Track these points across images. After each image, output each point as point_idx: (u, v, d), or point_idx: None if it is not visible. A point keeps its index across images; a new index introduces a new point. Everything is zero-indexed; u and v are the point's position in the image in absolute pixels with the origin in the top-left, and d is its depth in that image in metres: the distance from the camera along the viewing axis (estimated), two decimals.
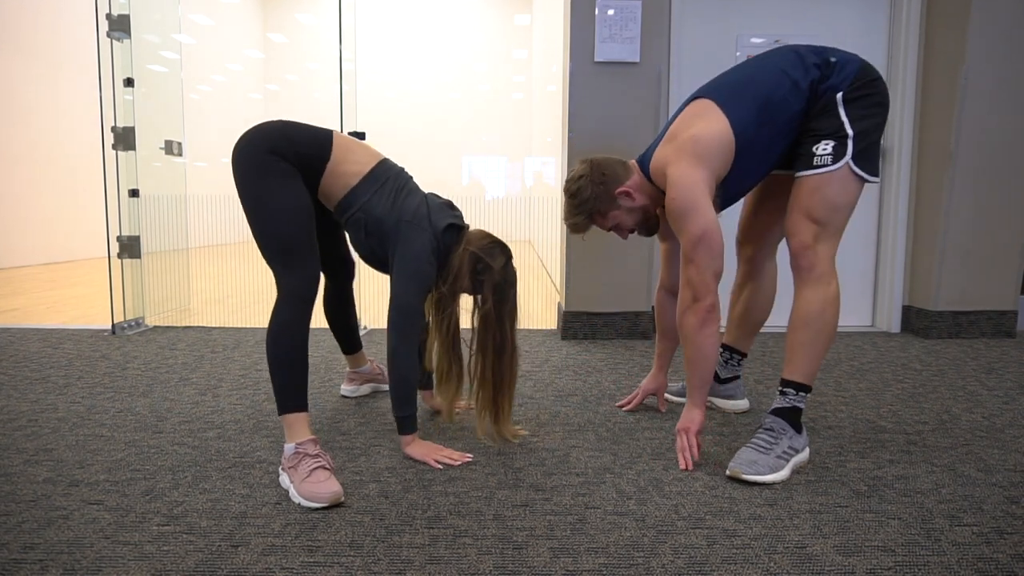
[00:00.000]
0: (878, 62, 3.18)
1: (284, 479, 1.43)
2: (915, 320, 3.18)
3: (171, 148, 3.47)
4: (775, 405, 1.56)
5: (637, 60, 2.90)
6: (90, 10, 7.35)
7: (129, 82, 3.18)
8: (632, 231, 1.80)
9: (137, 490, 1.40)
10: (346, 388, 2.12)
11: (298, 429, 1.45)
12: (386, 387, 2.19)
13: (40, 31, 6.69)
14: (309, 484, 1.34)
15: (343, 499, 1.35)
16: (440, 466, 1.53)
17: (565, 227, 1.77)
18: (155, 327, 3.27)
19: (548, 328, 3.32)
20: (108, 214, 3.19)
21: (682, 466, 1.53)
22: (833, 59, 1.52)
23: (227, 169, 10.19)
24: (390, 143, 11.11)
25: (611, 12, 2.87)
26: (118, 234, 3.20)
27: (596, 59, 2.90)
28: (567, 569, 1.11)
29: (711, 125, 1.54)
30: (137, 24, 3.17)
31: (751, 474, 1.44)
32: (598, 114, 2.93)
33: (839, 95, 1.49)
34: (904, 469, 1.53)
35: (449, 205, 1.70)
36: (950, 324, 3.08)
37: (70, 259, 7.21)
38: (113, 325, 3.11)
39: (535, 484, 1.45)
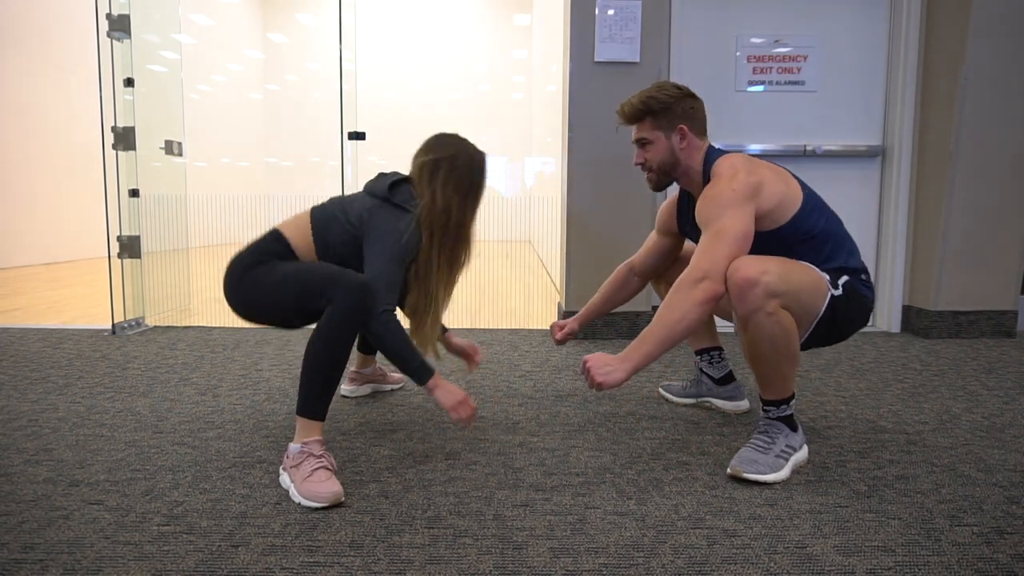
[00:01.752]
0: (878, 62, 3.19)
1: (284, 478, 1.42)
2: (915, 320, 3.18)
3: (171, 148, 3.47)
4: (763, 416, 1.56)
5: (637, 60, 2.90)
6: (90, 10, 7.35)
7: (129, 82, 3.18)
8: (647, 165, 1.71)
9: (137, 490, 1.40)
10: (346, 388, 2.12)
11: (309, 431, 1.44)
12: (387, 388, 2.19)
13: (40, 31, 6.69)
14: (310, 484, 1.34)
15: (343, 499, 1.34)
16: (461, 422, 1.56)
17: (617, 109, 1.72)
18: (155, 327, 3.27)
19: (548, 328, 3.32)
20: (108, 214, 3.19)
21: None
22: (864, 277, 1.60)
23: (227, 169, 10.20)
24: (390, 143, 11.12)
25: (611, 12, 2.87)
26: (118, 234, 3.20)
27: (596, 59, 2.90)
28: (567, 569, 1.11)
29: (789, 193, 1.55)
30: (137, 24, 3.17)
31: (752, 473, 1.44)
32: (598, 114, 2.93)
33: (845, 279, 1.54)
34: (904, 469, 1.53)
35: (380, 175, 1.73)
36: (950, 324, 3.08)
37: (70, 259, 7.21)
38: (113, 325, 3.11)
39: (535, 484, 1.45)
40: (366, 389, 2.14)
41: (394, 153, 11.54)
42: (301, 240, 1.65)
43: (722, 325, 3.26)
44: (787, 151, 3.15)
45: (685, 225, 1.85)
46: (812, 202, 1.58)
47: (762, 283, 1.38)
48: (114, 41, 3.10)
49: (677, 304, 1.43)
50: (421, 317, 1.72)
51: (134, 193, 3.25)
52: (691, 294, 1.43)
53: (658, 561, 1.13)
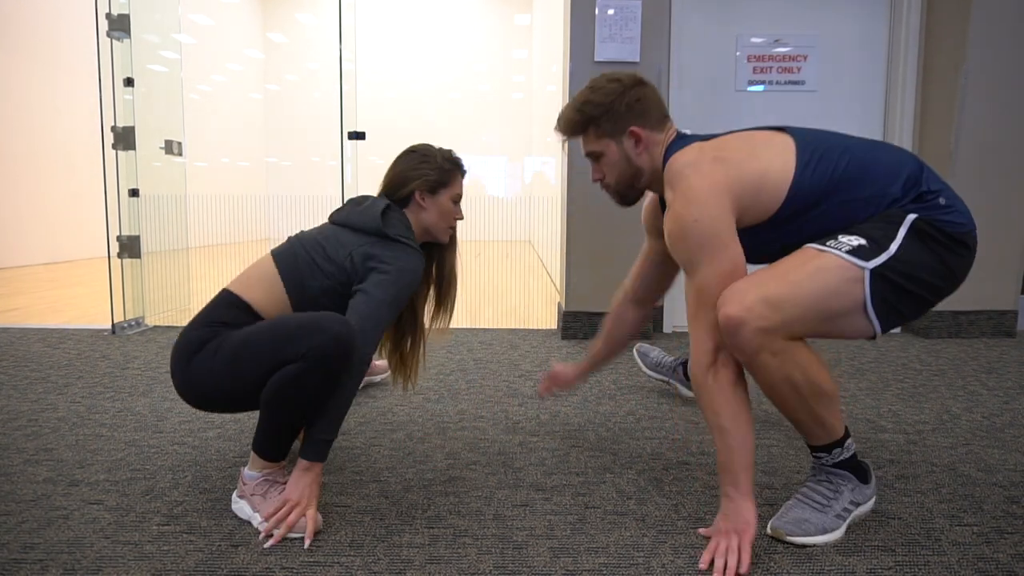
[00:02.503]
0: (878, 62, 3.19)
1: (243, 507, 1.26)
2: (915, 320, 3.18)
3: (171, 148, 3.47)
4: (817, 464, 1.27)
5: (637, 60, 2.90)
6: (90, 10, 7.35)
7: (129, 82, 3.18)
8: (604, 182, 1.43)
9: (137, 490, 1.40)
10: None
11: (267, 464, 1.28)
12: (378, 378, 2.21)
13: (40, 31, 6.69)
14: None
15: (321, 527, 1.23)
16: (266, 531, 1.20)
17: (556, 122, 1.44)
18: (155, 327, 3.27)
19: (548, 328, 3.32)
20: (108, 214, 3.19)
21: None
22: (943, 200, 1.19)
23: (227, 169, 10.20)
24: (390, 143, 11.11)
25: (611, 12, 2.87)
26: (118, 234, 3.20)
27: (596, 59, 2.90)
28: (567, 569, 1.11)
29: (774, 162, 1.22)
30: (137, 24, 3.17)
31: (798, 535, 1.17)
32: None
33: (912, 217, 1.16)
34: (904, 469, 1.53)
35: (352, 202, 1.51)
36: (950, 324, 3.08)
37: (70, 259, 7.21)
38: (113, 325, 3.11)
39: (535, 484, 1.45)
40: None
41: (394, 153, 11.54)
42: (264, 295, 1.37)
43: None
44: None
45: None
46: (815, 153, 1.23)
47: (750, 323, 1.10)
48: (114, 41, 3.10)
49: (721, 404, 1.17)
50: (410, 355, 1.65)
51: (134, 193, 3.25)
52: (718, 382, 1.17)
53: (658, 561, 1.13)
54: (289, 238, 1.47)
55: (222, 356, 1.26)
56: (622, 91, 1.35)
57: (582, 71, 2.92)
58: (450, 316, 1.65)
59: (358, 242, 1.40)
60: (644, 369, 2.19)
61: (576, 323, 3.03)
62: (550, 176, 5.95)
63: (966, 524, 1.26)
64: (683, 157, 1.25)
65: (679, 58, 3.10)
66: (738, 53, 3.15)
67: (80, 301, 4.15)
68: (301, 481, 1.24)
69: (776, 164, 1.22)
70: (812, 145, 1.24)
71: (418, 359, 1.66)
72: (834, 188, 1.20)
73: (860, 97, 3.20)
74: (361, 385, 2.15)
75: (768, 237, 1.27)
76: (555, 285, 5.08)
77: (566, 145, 1.38)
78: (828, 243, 1.17)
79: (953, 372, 2.44)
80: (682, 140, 1.35)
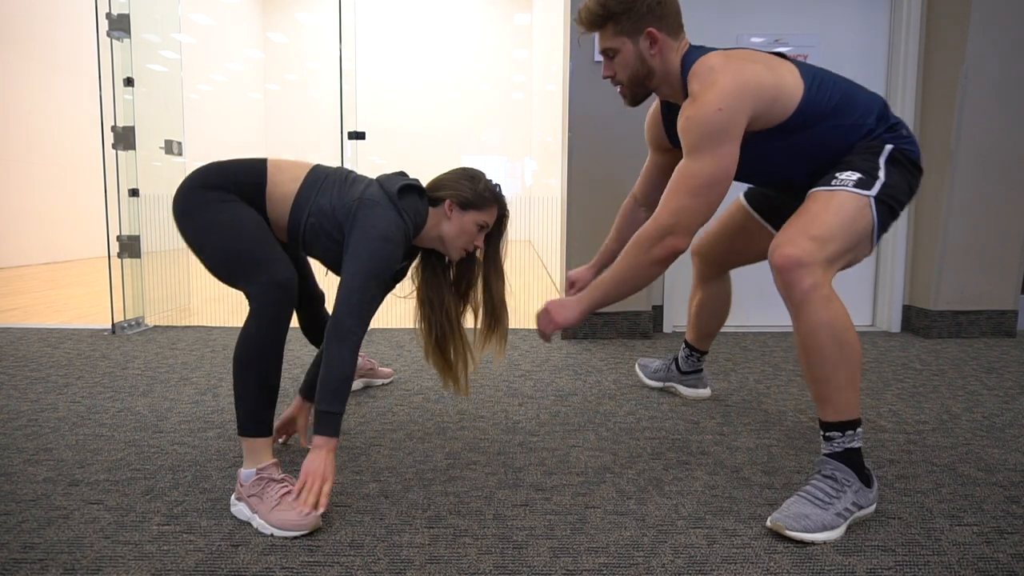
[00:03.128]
0: (878, 62, 3.19)
1: (242, 509, 1.28)
2: (915, 320, 3.18)
3: (171, 148, 3.47)
4: (825, 451, 1.29)
5: None
6: (90, 10, 7.35)
7: (129, 82, 3.18)
8: (616, 79, 1.51)
9: (137, 490, 1.40)
10: None
11: (259, 454, 1.30)
12: (378, 382, 2.20)
13: (40, 30, 6.69)
14: (283, 512, 1.22)
15: (321, 525, 1.24)
16: (304, 503, 1.24)
17: (575, 17, 1.50)
18: (155, 327, 3.27)
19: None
20: (108, 214, 3.19)
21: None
22: (905, 132, 1.41)
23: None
24: (390, 143, 11.12)
25: None
26: (118, 234, 3.20)
27: (596, 59, 2.89)
28: (567, 569, 1.11)
29: (787, 79, 1.36)
30: (137, 24, 3.17)
31: (797, 530, 1.19)
32: (598, 114, 2.93)
33: (889, 147, 1.36)
34: (904, 469, 1.53)
35: (400, 174, 1.57)
36: (950, 324, 3.08)
37: (70, 259, 7.21)
38: (113, 325, 3.11)
39: (535, 484, 1.45)
40: (358, 384, 2.15)
41: (394, 153, 11.55)
42: (283, 185, 1.47)
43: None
44: None
45: (674, 138, 1.65)
46: (815, 79, 1.39)
47: (805, 259, 1.22)
48: (114, 41, 3.10)
49: (634, 262, 1.39)
50: (455, 362, 1.65)
51: (134, 193, 3.25)
52: (651, 252, 1.37)
53: (658, 561, 1.13)
54: (341, 168, 1.57)
55: (202, 222, 1.39)
56: None
57: (582, 71, 2.91)
58: (502, 343, 1.67)
59: (369, 192, 1.45)
60: (646, 380, 2.24)
61: None
62: (550, 176, 5.95)
63: (966, 524, 1.26)
64: (711, 59, 1.37)
65: None
66: None
67: (80, 301, 4.15)
68: (316, 458, 1.28)
69: (789, 80, 1.36)
70: (812, 73, 1.40)
71: (459, 368, 1.66)
72: (831, 111, 1.37)
73: None
74: (362, 386, 2.16)
75: (771, 147, 1.41)
76: (555, 285, 5.08)
77: (580, 40, 1.54)
78: (832, 183, 1.33)
79: (953, 372, 2.44)
80: (699, 50, 1.45)
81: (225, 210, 1.40)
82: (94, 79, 7.37)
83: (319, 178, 1.49)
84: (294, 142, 11.53)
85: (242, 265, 1.34)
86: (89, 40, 7.31)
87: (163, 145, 3.43)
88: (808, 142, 1.40)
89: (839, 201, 1.29)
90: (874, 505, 1.28)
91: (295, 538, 1.20)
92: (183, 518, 1.28)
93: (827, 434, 1.28)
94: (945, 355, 2.72)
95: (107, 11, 3.06)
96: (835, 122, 1.38)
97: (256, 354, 1.29)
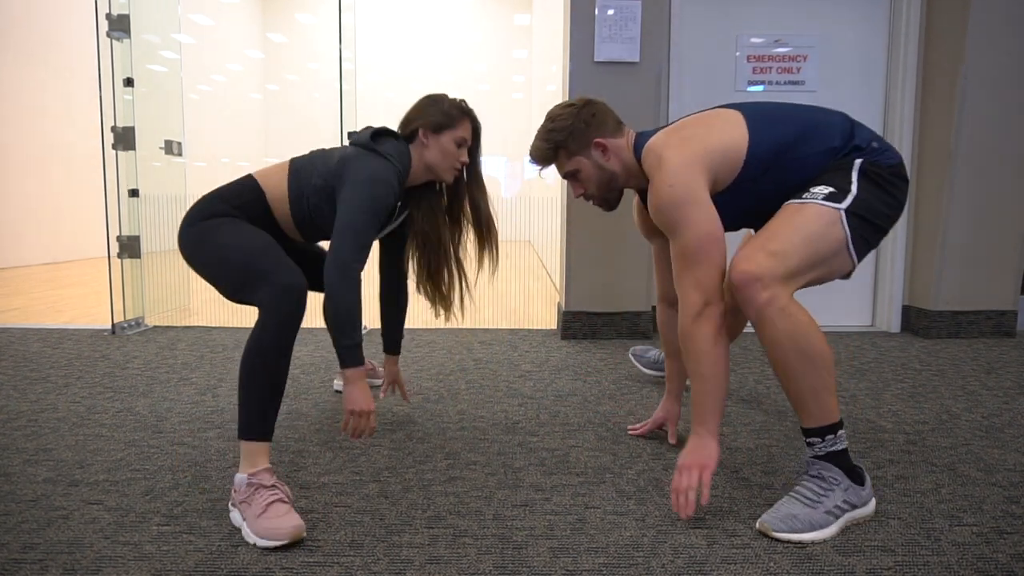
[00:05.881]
0: (878, 62, 3.19)
1: (235, 516, 1.25)
2: (915, 320, 3.18)
3: (171, 148, 3.47)
4: (809, 454, 1.29)
5: (637, 60, 2.90)
6: (90, 10, 7.35)
7: (129, 82, 3.18)
8: (587, 194, 1.60)
9: (137, 490, 1.40)
10: (339, 383, 2.15)
11: (256, 457, 1.28)
12: (378, 382, 2.19)
13: (39, 31, 6.69)
14: (266, 520, 1.18)
15: (305, 534, 1.20)
16: (348, 433, 1.44)
17: (528, 154, 1.62)
18: (155, 327, 3.27)
19: (548, 328, 3.32)
20: (108, 214, 3.19)
21: (683, 514, 1.25)
22: (875, 144, 1.38)
23: (227, 169, 10.19)
24: None
25: (611, 12, 2.87)
26: (118, 234, 3.20)
27: (596, 59, 2.90)
28: (567, 569, 1.11)
29: (729, 132, 1.40)
30: (137, 24, 3.17)
31: (784, 531, 1.20)
32: None
33: (858, 161, 1.35)
34: (904, 469, 1.53)
35: (367, 127, 1.67)
36: (950, 324, 3.08)
37: (70, 259, 7.21)
38: (113, 325, 3.11)
39: (535, 484, 1.45)
40: None
41: None
42: (275, 189, 1.55)
43: None
44: None
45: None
46: (765, 119, 1.41)
47: (760, 275, 1.22)
48: (114, 41, 3.10)
49: (699, 351, 1.32)
50: (448, 287, 1.76)
51: (134, 193, 3.25)
52: (703, 332, 1.32)
53: (658, 561, 1.13)
54: (312, 151, 1.65)
55: (208, 247, 1.42)
56: (577, 112, 1.54)
57: (582, 71, 2.92)
58: (496, 255, 1.79)
59: (349, 152, 1.56)
60: (642, 369, 2.25)
61: (576, 323, 3.03)
62: (550, 176, 5.94)
63: (966, 524, 1.26)
64: (655, 144, 1.43)
65: (679, 58, 3.10)
66: (738, 53, 3.15)
67: (80, 301, 4.15)
68: (353, 392, 1.43)
69: (735, 134, 1.39)
70: (759, 115, 1.42)
71: (454, 292, 1.77)
72: (785, 148, 1.39)
73: (860, 97, 3.20)
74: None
75: (740, 196, 1.43)
76: (555, 285, 5.08)
77: (541, 173, 1.64)
78: (804, 196, 1.33)
79: (953, 372, 2.44)
80: (644, 135, 1.54)
81: (223, 233, 1.43)
82: (94, 79, 7.37)
83: (302, 165, 1.58)
84: (294, 142, 11.53)
85: (247, 279, 1.35)
86: (89, 40, 7.31)
87: (163, 145, 3.43)
88: (776, 180, 1.41)
89: (805, 215, 1.30)
90: (874, 506, 1.29)
91: (277, 548, 1.16)
92: (183, 518, 1.28)
93: (808, 440, 1.29)
94: (945, 355, 2.72)
95: (107, 11, 3.06)
96: (795, 155, 1.38)
97: (263, 359, 1.28)
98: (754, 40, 3.14)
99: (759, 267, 1.23)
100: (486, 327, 3.33)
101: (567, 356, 2.69)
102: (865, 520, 1.28)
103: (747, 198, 1.44)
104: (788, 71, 3.16)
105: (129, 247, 3.23)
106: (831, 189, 1.32)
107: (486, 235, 1.77)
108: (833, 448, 1.26)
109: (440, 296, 1.75)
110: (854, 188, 1.32)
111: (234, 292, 1.39)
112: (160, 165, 3.42)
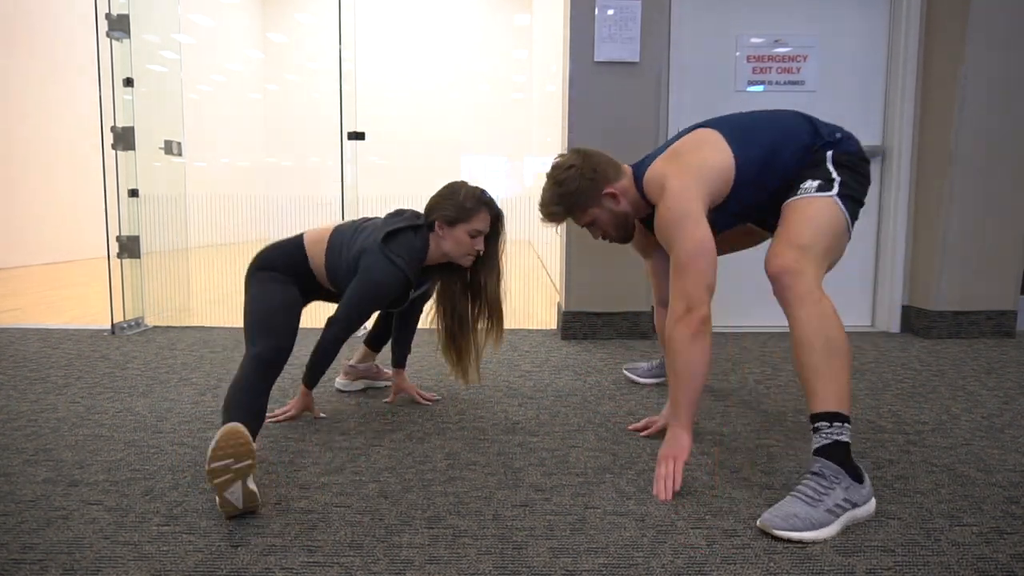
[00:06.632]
0: (878, 62, 3.19)
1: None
2: (915, 320, 3.18)
3: (171, 148, 3.47)
4: (814, 444, 1.31)
5: (637, 60, 2.90)
6: (90, 10, 7.35)
7: (129, 82, 3.18)
8: (606, 234, 1.78)
9: (137, 490, 1.40)
10: (340, 382, 2.17)
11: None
12: (380, 384, 2.21)
13: (39, 31, 6.69)
14: None
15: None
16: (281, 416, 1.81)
17: (540, 214, 1.77)
18: (155, 327, 3.27)
19: (548, 328, 3.32)
20: (108, 214, 3.19)
21: (662, 498, 1.36)
22: (838, 135, 1.57)
23: (227, 169, 10.20)
24: (390, 143, 11.11)
25: (611, 12, 2.87)
26: (118, 234, 3.20)
27: (596, 59, 2.90)
28: (567, 569, 1.11)
29: (718, 155, 1.56)
30: (137, 24, 3.17)
31: (785, 529, 1.20)
32: (598, 114, 2.93)
33: (830, 153, 1.54)
34: (904, 469, 1.53)
35: (396, 213, 1.85)
36: (950, 324, 3.08)
37: (70, 259, 7.21)
38: (113, 325, 3.11)
39: (535, 484, 1.45)
40: (359, 384, 2.18)
41: (394, 153, 11.55)
42: (316, 258, 1.81)
43: (723, 327, 3.26)
44: None
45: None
46: (742, 133, 1.58)
47: (794, 269, 1.37)
48: (114, 41, 3.10)
49: (676, 351, 1.46)
50: (465, 356, 1.90)
51: (134, 193, 3.25)
52: (681, 334, 1.45)
53: (658, 561, 1.13)
54: (352, 221, 1.88)
55: (247, 293, 1.72)
56: (579, 172, 1.67)
57: (582, 71, 2.92)
58: (499, 333, 1.91)
59: (370, 243, 1.74)
60: (640, 380, 2.27)
61: (576, 323, 3.03)
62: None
63: (966, 524, 1.26)
64: (656, 174, 1.60)
65: (679, 58, 3.10)
66: (738, 53, 3.15)
67: (80, 301, 4.15)
68: (304, 401, 1.85)
69: (723, 155, 1.56)
70: (735, 131, 1.59)
71: (470, 361, 1.90)
72: (767, 158, 1.56)
73: (860, 97, 3.20)
74: (363, 387, 2.18)
75: (732, 203, 1.61)
76: (555, 285, 5.08)
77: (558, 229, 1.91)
78: (800, 192, 1.50)
79: (953, 372, 2.44)
80: (640, 166, 1.70)
81: (258, 286, 1.72)
82: (94, 79, 7.37)
83: (336, 244, 1.80)
84: (294, 142, 11.53)
85: (250, 327, 1.62)
86: (89, 40, 7.31)
87: (163, 145, 3.43)
88: (761, 185, 1.58)
89: (814, 209, 1.46)
90: (872, 502, 1.29)
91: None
92: (183, 518, 1.27)
93: (816, 425, 1.31)
94: (945, 355, 2.72)
95: (107, 11, 3.06)
96: (776, 160, 1.56)
97: (237, 401, 1.44)
98: (754, 40, 3.14)
99: (792, 260, 1.38)
100: None
101: (567, 356, 2.69)
102: (865, 520, 1.28)
103: (737, 204, 1.62)
104: (788, 71, 3.16)
105: (129, 247, 3.23)
106: (819, 181, 1.49)
107: (489, 316, 1.89)
108: (839, 437, 1.28)
109: (459, 363, 1.90)
110: (836, 176, 1.50)
111: (246, 330, 1.64)
112: (160, 165, 3.42)
